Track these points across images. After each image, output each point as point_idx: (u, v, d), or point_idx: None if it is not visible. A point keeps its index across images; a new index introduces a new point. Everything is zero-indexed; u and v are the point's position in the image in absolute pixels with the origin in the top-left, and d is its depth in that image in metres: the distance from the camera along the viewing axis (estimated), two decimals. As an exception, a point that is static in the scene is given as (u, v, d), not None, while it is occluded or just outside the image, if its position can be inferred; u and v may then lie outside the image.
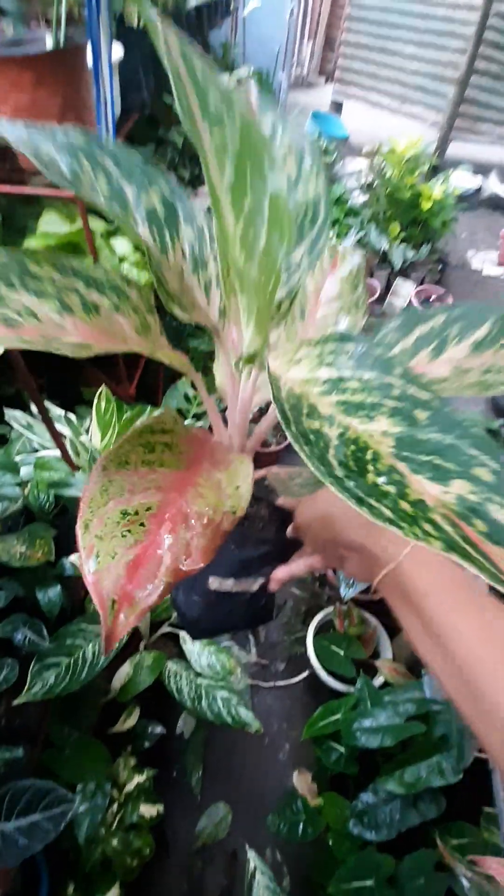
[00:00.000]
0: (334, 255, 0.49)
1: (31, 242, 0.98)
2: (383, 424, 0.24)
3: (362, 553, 0.37)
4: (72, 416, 0.99)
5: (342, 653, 1.17)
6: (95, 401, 0.99)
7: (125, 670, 0.95)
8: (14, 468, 0.90)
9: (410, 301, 2.36)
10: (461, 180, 3.14)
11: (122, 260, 1.04)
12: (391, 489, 0.21)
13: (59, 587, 0.83)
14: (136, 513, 0.26)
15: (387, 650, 1.20)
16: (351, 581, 1.15)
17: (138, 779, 0.96)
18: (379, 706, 0.95)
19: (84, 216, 0.89)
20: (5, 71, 0.84)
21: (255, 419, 0.44)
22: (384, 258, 2.37)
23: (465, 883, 0.51)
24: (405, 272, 2.40)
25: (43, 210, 1.01)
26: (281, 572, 0.46)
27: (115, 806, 0.93)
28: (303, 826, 0.93)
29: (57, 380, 1.30)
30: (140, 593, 0.23)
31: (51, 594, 0.83)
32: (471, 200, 3.40)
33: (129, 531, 0.25)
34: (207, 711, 0.90)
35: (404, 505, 0.21)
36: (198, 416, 1.29)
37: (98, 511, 0.25)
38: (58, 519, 0.91)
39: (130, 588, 0.23)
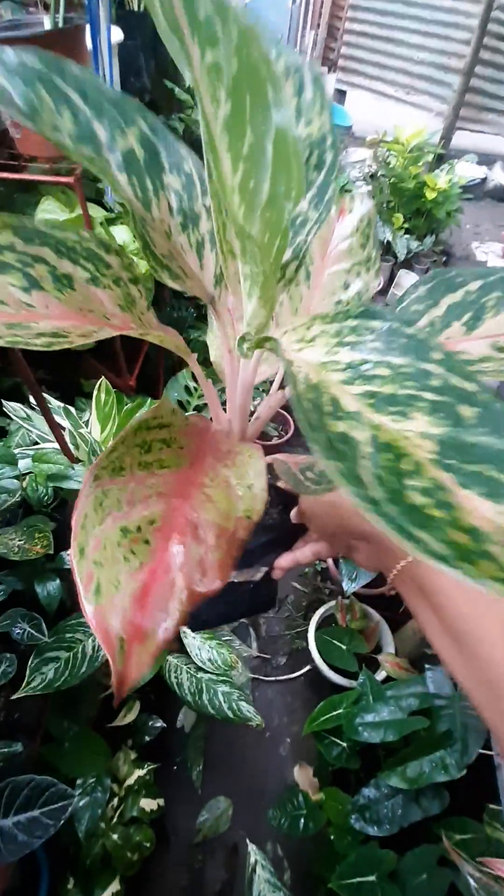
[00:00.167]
0: (340, 203, 0.43)
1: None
2: (421, 423, 0.19)
3: (375, 543, 0.35)
4: (71, 409, 0.97)
5: (344, 647, 1.17)
6: (95, 392, 0.98)
7: (125, 664, 0.94)
8: (12, 460, 0.89)
9: (414, 293, 2.33)
10: (466, 170, 3.10)
11: (123, 248, 1.02)
12: (439, 513, 0.17)
13: (57, 581, 0.82)
14: (139, 528, 0.23)
15: (389, 644, 1.19)
16: (353, 575, 1.14)
17: (138, 773, 0.96)
18: (381, 701, 0.95)
19: (83, 203, 0.87)
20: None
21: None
22: (387, 249, 2.34)
23: (472, 883, 0.50)
24: (409, 263, 2.38)
25: (41, 197, 0.99)
26: (285, 560, 0.43)
27: (116, 800, 0.92)
28: (304, 821, 0.93)
29: (56, 371, 1.28)
30: (152, 626, 0.20)
31: (50, 588, 0.81)
32: (475, 191, 3.36)
33: (132, 552, 0.22)
34: (208, 706, 0.89)
35: (456, 535, 0.16)
36: (199, 409, 1.28)
37: (94, 531, 0.22)
38: (57, 512, 0.90)
39: (141, 621, 0.20)
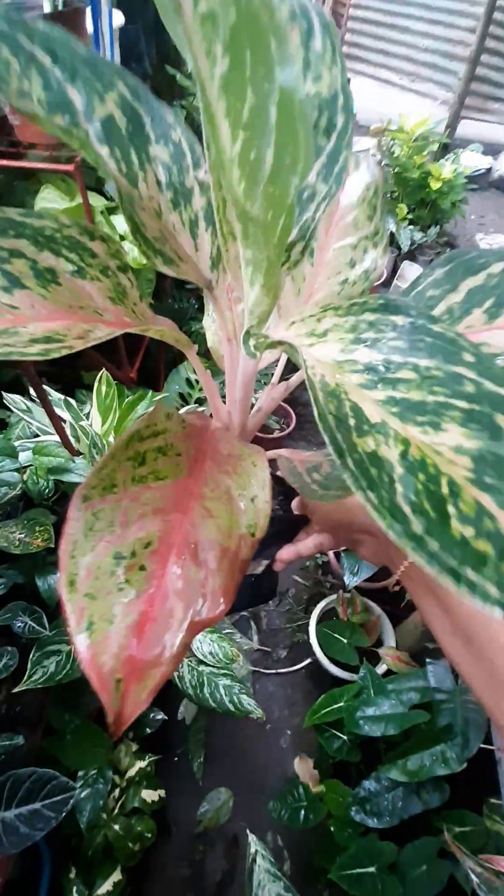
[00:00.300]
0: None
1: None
2: (455, 436, 0.17)
3: (382, 538, 0.35)
4: (72, 401, 0.97)
5: (345, 641, 1.17)
6: (96, 385, 0.97)
7: (127, 657, 0.94)
8: (13, 453, 0.88)
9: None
10: (471, 160, 3.06)
11: (122, 238, 1.01)
12: (487, 547, 0.15)
13: (58, 574, 0.82)
14: (134, 553, 0.21)
15: (390, 638, 1.19)
16: (355, 569, 1.13)
17: (140, 764, 0.96)
18: (382, 694, 0.95)
19: (83, 192, 0.86)
20: None
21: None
22: (391, 240, 2.32)
23: (474, 878, 0.50)
24: (412, 255, 2.35)
25: (41, 185, 0.97)
26: (286, 552, 0.42)
27: (117, 791, 0.93)
28: (304, 813, 0.93)
29: (57, 363, 1.27)
30: (151, 662, 0.18)
31: (51, 581, 0.81)
32: (480, 181, 3.32)
33: (126, 581, 0.20)
34: (209, 699, 0.89)
35: None
36: (201, 402, 1.27)
37: (85, 559, 0.20)
38: (57, 505, 0.90)
39: (138, 657, 0.18)
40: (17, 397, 1.00)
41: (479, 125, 3.58)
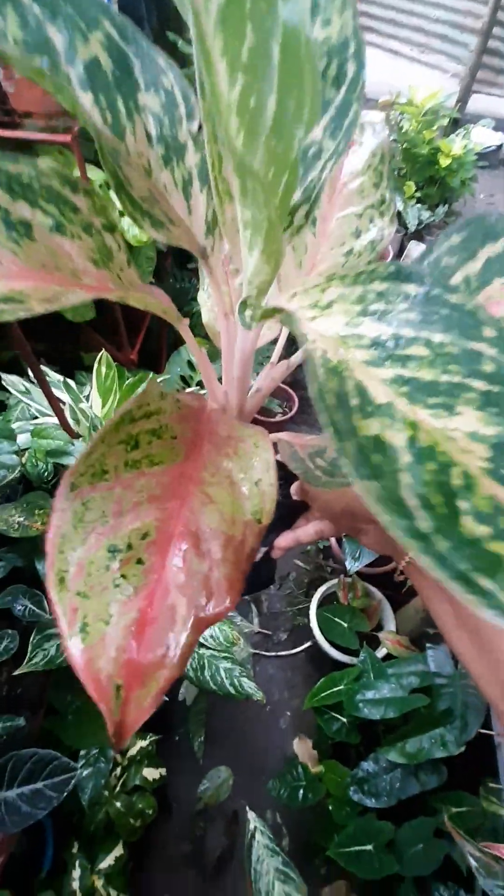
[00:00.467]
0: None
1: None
2: (470, 420, 0.15)
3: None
4: (71, 382, 0.95)
5: (345, 625, 1.17)
6: (95, 366, 0.95)
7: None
8: (11, 435, 0.87)
9: (423, 266, 2.27)
10: (481, 136, 2.96)
11: (122, 214, 0.97)
12: (500, 547, 0.13)
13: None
14: (130, 546, 0.19)
15: (390, 623, 1.19)
16: (357, 554, 1.13)
17: (141, 744, 0.97)
18: (382, 678, 0.95)
19: (81, 164, 0.83)
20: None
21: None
22: (398, 219, 2.26)
23: (473, 862, 0.51)
24: (419, 234, 2.30)
25: (38, 158, 0.94)
26: (285, 540, 0.40)
27: (119, 770, 0.94)
28: (303, 792, 0.95)
29: (56, 344, 1.25)
30: (153, 665, 0.17)
31: (51, 564, 0.81)
32: (490, 159, 3.23)
33: (123, 577, 0.18)
34: (210, 682, 0.89)
35: None
36: (203, 385, 1.25)
37: (76, 554, 0.18)
38: (57, 488, 0.89)
39: (139, 659, 0.17)
40: (15, 378, 0.98)
41: (490, 100, 3.47)
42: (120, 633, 0.17)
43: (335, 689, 0.99)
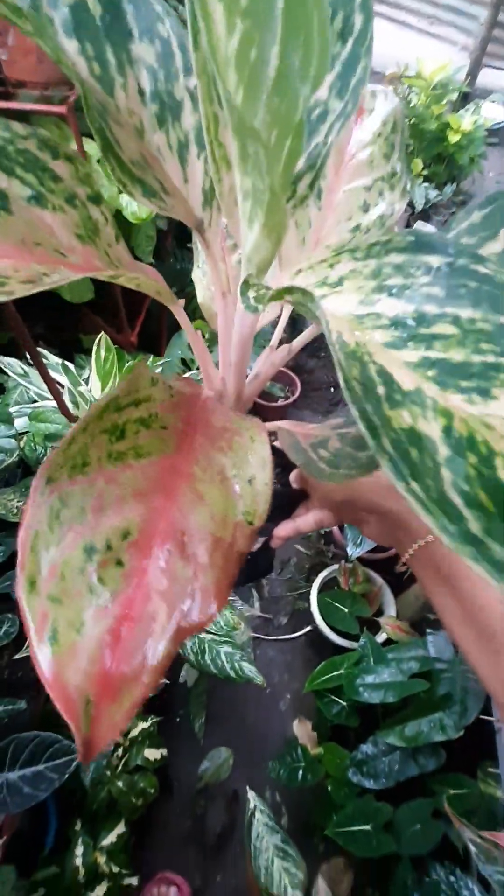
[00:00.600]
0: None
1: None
2: None
3: (389, 519, 0.32)
4: (70, 365, 0.93)
5: (346, 610, 1.17)
6: (94, 349, 0.93)
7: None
8: (9, 419, 0.86)
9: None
10: (491, 112, 2.87)
11: (121, 192, 0.95)
12: None
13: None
14: (109, 546, 0.17)
15: (391, 608, 1.20)
16: (358, 540, 1.13)
17: (142, 725, 0.98)
18: (382, 663, 0.96)
19: (77, 136, 0.80)
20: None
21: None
22: (404, 199, 2.21)
23: (472, 849, 0.51)
24: (426, 214, 2.25)
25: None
26: (284, 529, 0.39)
27: (120, 750, 0.95)
28: (302, 772, 0.96)
29: (55, 327, 1.23)
30: (127, 678, 0.15)
31: (51, 549, 0.81)
32: (500, 136, 3.14)
33: (100, 580, 0.17)
34: (211, 666, 0.90)
35: None
36: (203, 368, 1.23)
37: (49, 554, 0.17)
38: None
39: (112, 671, 0.15)
40: (13, 361, 0.96)
41: (500, 74, 3.36)
42: (93, 642, 0.16)
43: (335, 672, 1.00)
